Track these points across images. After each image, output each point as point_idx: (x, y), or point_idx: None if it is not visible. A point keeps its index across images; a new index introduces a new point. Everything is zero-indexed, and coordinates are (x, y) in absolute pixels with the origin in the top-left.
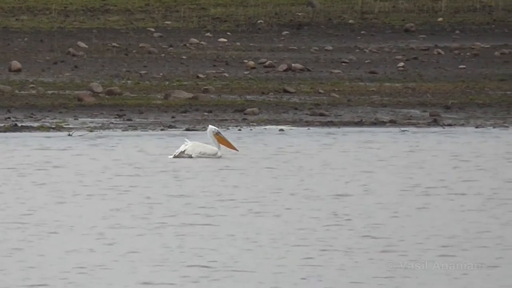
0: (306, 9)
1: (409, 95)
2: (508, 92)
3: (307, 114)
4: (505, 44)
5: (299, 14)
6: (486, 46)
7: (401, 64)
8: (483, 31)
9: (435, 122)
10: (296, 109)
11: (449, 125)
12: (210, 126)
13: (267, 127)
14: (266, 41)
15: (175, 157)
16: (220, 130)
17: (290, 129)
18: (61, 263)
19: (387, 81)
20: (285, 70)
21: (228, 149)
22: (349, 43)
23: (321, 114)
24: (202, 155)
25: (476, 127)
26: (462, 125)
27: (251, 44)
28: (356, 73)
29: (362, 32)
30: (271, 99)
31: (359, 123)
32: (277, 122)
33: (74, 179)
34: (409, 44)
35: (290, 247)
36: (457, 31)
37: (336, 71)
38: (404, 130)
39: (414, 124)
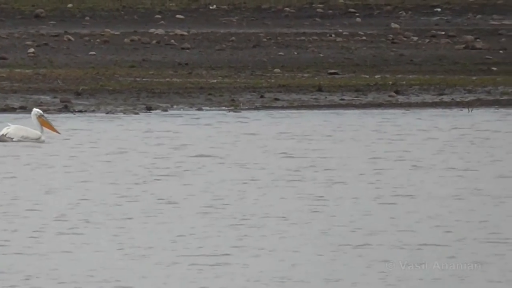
0: None
1: (40, 81)
2: (138, 79)
3: None
4: (135, 31)
5: None
6: (116, 33)
7: (32, 50)
8: (113, 18)
9: (66, 108)
10: None
11: (80, 111)
12: (34, 109)
13: None
14: None
15: None
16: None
17: None
18: None
19: (18, 67)
20: None
21: (51, 132)
22: None
23: None
24: (24, 139)
25: (107, 113)
26: (93, 111)
27: None
28: None
29: None
30: None
31: None
32: None
33: None
34: (39, 30)
35: None
36: (87, 18)
37: None
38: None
39: (44, 110)
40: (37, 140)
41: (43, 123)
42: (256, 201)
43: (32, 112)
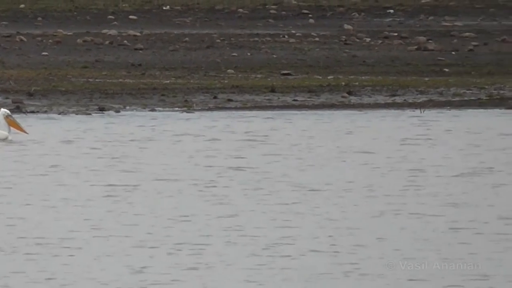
0: None
1: None
2: (91, 80)
3: None
4: (87, 31)
5: None
6: (69, 33)
7: None
8: (65, 19)
9: (18, 109)
10: None
11: (32, 112)
12: (2, 109)
13: None
14: None
15: None
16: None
17: None
18: None
19: None
20: None
21: (19, 131)
22: None
23: None
24: None
25: (59, 114)
26: (45, 112)
27: None
28: None
29: None
30: None
31: None
32: None
33: None
34: None
35: None
36: (40, 18)
37: None
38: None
39: None
40: (4, 140)
41: (11, 123)
42: (204, 200)
43: (0, 112)
